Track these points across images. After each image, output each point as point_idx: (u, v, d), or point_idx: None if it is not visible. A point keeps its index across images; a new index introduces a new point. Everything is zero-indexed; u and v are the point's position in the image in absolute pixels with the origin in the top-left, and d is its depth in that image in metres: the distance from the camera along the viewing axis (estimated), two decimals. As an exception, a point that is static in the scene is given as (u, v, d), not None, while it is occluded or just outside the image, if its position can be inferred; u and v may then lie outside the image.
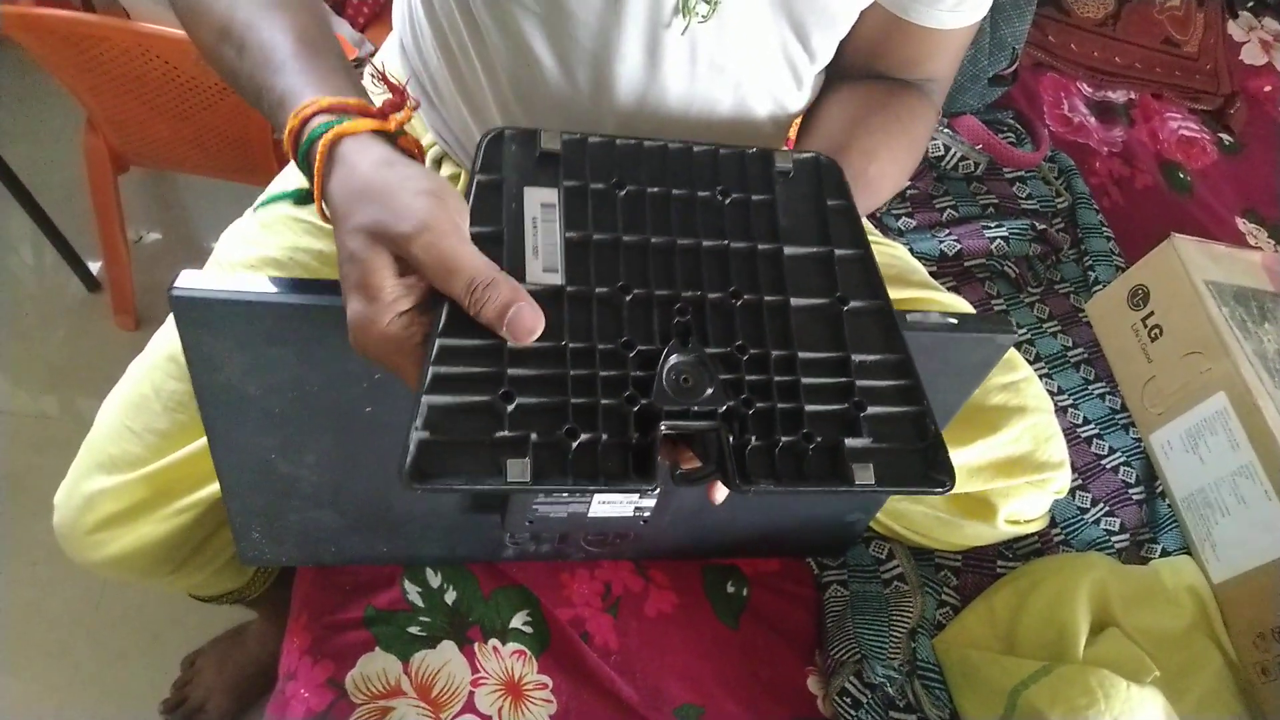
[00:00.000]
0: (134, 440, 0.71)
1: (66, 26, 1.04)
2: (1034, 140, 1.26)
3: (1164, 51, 1.41)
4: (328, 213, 0.46)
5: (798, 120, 0.71)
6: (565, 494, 0.66)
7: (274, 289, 0.49)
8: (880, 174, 0.59)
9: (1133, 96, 1.38)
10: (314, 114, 0.46)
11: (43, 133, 1.75)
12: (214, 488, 0.70)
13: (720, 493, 0.45)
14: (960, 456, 0.76)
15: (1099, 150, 1.30)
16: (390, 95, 0.49)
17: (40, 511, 1.35)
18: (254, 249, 0.73)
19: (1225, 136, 1.36)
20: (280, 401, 0.55)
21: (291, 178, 0.78)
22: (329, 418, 0.57)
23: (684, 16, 0.58)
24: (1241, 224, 1.26)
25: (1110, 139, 1.32)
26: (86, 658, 1.21)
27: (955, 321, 0.58)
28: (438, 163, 0.75)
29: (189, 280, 0.48)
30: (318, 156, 0.45)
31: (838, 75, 0.68)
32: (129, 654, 1.22)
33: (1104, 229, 1.19)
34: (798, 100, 0.68)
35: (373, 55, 1.29)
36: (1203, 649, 0.85)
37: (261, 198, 0.77)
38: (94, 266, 1.59)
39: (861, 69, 0.67)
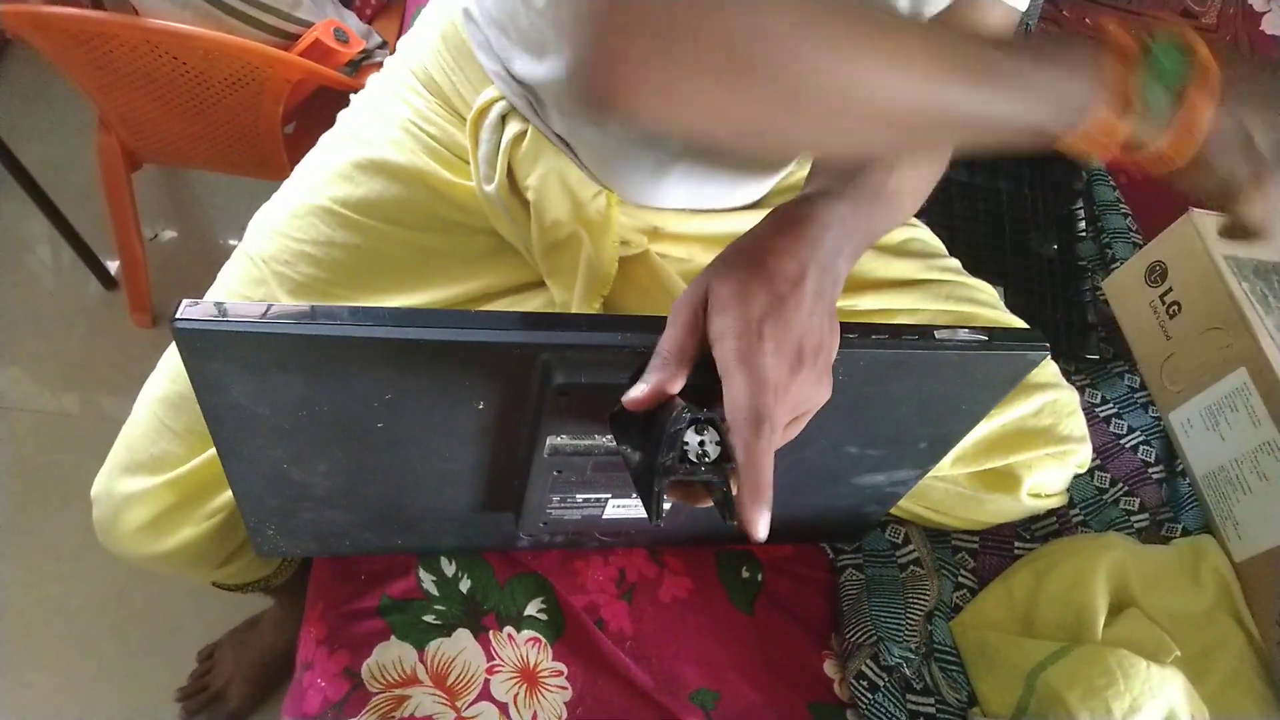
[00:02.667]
0: (175, 441, 0.71)
1: (76, 25, 1.04)
2: (1048, 117, 1.25)
3: (1182, 23, 1.39)
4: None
5: None
6: (580, 499, 0.66)
7: (279, 317, 0.47)
8: (901, 186, 0.57)
9: (1149, 71, 1.36)
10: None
11: (57, 132, 1.76)
12: None
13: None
14: (981, 430, 0.75)
15: (1115, 126, 1.28)
16: None
17: (62, 507, 1.38)
18: (288, 243, 0.71)
19: (1244, 109, 1.34)
20: (290, 420, 0.55)
21: (316, 175, 0.76)
22: (340, 432, 0.57)
23: None
24: (1262, 198, 1.23)
25: (1126, 114, 1.30)
26: (109, 651, 1.23)
27: (985, 338, 0.55)
28: (503, 119, 0.72)
29: (192, 311, 0.46)
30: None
31: None
32: (151, 647, 1.23)
33: (1121, 206, 1.18)
34: None
35: (381, 46, 1.29)
36: (1224, 628, 0.84)
37: (293, 194, 0.75)
38: (111, 265, 1.60)
39: None
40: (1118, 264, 1.10)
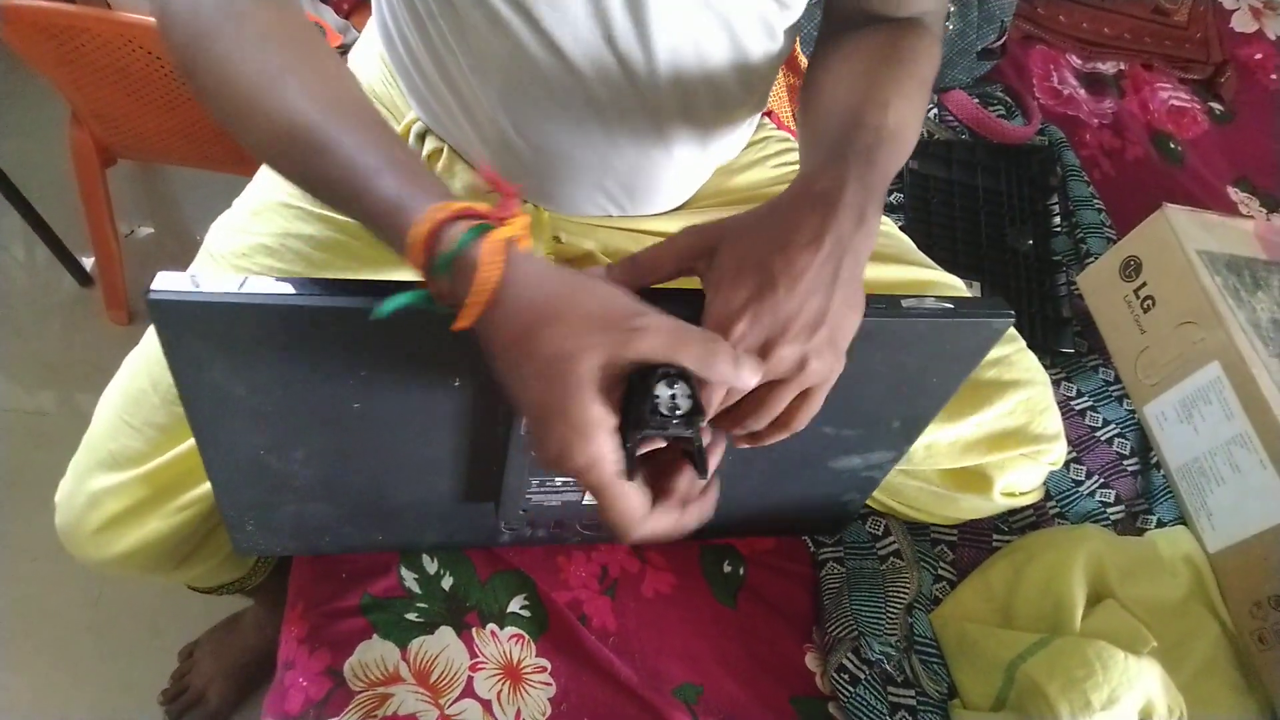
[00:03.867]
0: (134, 435, 0.71)
1: (45, 18, 1.03)
2: (1025, 114, 1.26)
3: (1153, 21, 1.41)
4: (487, 327, 0.44)
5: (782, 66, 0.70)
6: (559, 483, 0.66)
7: (254, 289, 0.47)
8: (900, 123, 0.58)
9: (1122, 67, 1.37)
10: (448, 219, 0.44)
11: (31, 128, 1.74)
12: None
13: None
14: (955, 431, 0.76)
15: (1089, 122, 1.30)
16: (501, 195, 0.47)
17: (38, 508, 1.35)
18: (245, 238, 0.72)
19: (1216, 106, 1.36)
20: (267, 400, 0.55)
21: (270, 176, 0.77)
22: (317, 414, 0.57)
23: None
24: (1233, 193, 1.25)
25: (1100, 110, 1.32)
26: (87, 652, 1.22)
27: (951, 306, 0.57)
28: (421, 138, 0.74)
29: (166, 283, 0.46)
30: (486, 264, 0.43)
31: (830, 25, 0.67)
32: (129, 648, 1.22)
33: (1095, 201, 1.19)
34: (778, 40, 0.67)
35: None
36: (1199, 618, 0.85)
37: (252, 194, 0.76)
38: (86, 262, 1.58)
39: (856, 10, 0.66)
40: (1092, 259, 1.11)
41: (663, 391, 0.43)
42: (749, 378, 0.46)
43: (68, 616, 1.24)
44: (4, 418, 1.42)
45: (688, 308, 0.49)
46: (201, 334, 0.49)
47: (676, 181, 0.77)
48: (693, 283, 0.53)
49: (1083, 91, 1.34)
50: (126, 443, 0.71)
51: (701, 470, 0.46)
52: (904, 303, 0.56)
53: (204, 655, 1.18)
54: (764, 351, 0.47)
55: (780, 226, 0.50)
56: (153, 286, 0.46)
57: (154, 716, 1.16)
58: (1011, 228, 1.12)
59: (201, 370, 0.52)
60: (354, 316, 0.48)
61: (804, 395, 0.50)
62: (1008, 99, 1.27)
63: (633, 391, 0.43)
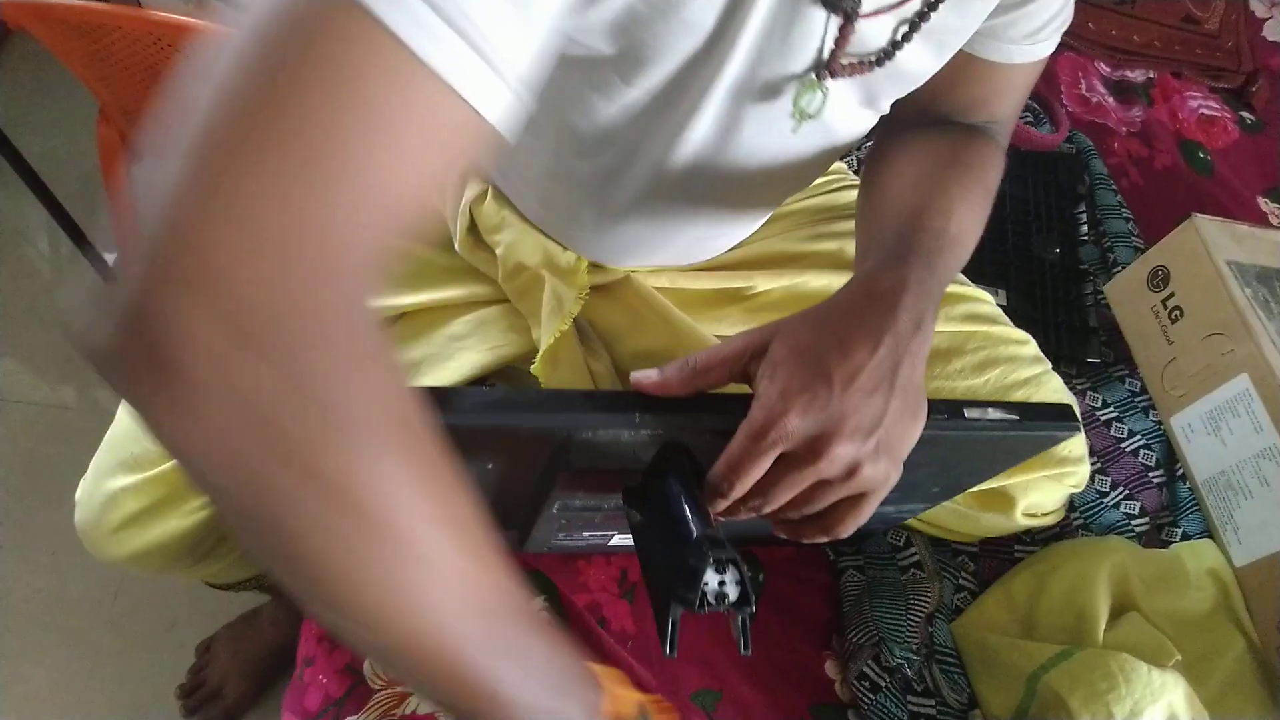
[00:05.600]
0: None
1: (77, 16, 1.04)
2: (1052, 121, 1.25)
3: (1184, 29, 1.39)
4: None
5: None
6: (584, 535, 0.67)
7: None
8: (961, 230, 0.57)
9: (1151, 76, 1.36)
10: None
11: (58, 124, 1.76)
12: None
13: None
14: None
15: (1117, 130, 1.29)
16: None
17: (59, 501, 1.37)
18: None
19: (1247, 115, 1.34)
20: None
21: None
22: None
23: (795, 118, 0.56)
24: (1264, 203, 1.24)
25: (1129, 119, 1.30)
26: (106, 645, 1.23)
27: (1016, 418, 0.54)
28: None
29: None
30: None
31: (897, 121, 0.66)
32: (148, 641, 1.23)
33: (1123, 210, 1.18)
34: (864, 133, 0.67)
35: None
36: (1225, 633, 0.84)
37: None
38: (109, 257, 1.60)
39: (922, 112, 0.65)
40: (1119, 268, 1.10)
41: (711, 578, 0.42)
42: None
43: (86, 610, 1.25)
44: (26, 411, 1.44)
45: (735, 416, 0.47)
46: None
47: (728, 243, 0.78)
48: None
49: (1111, 99, 1.32)
50: (148, 446, 0.71)
51: (744, 644, 0.45)
52: (967, 413, 0.53)
53: (221, 650, 1.19)
54: (814, 448, 0.46)
55: (837, 322, 0.49)
56: None
57: (171, 710, 1.17)
58: (1038, 236, 1.11)
59: None
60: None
61: (853, 501, 0.49)
62: (1035, 106, 1.26)
63: (672, 518, 0.43)
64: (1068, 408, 0.58)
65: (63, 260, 1.63)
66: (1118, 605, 0.80)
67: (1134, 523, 0.91)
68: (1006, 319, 0.83)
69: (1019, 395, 0.76)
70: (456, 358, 0.71)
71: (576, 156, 0.61)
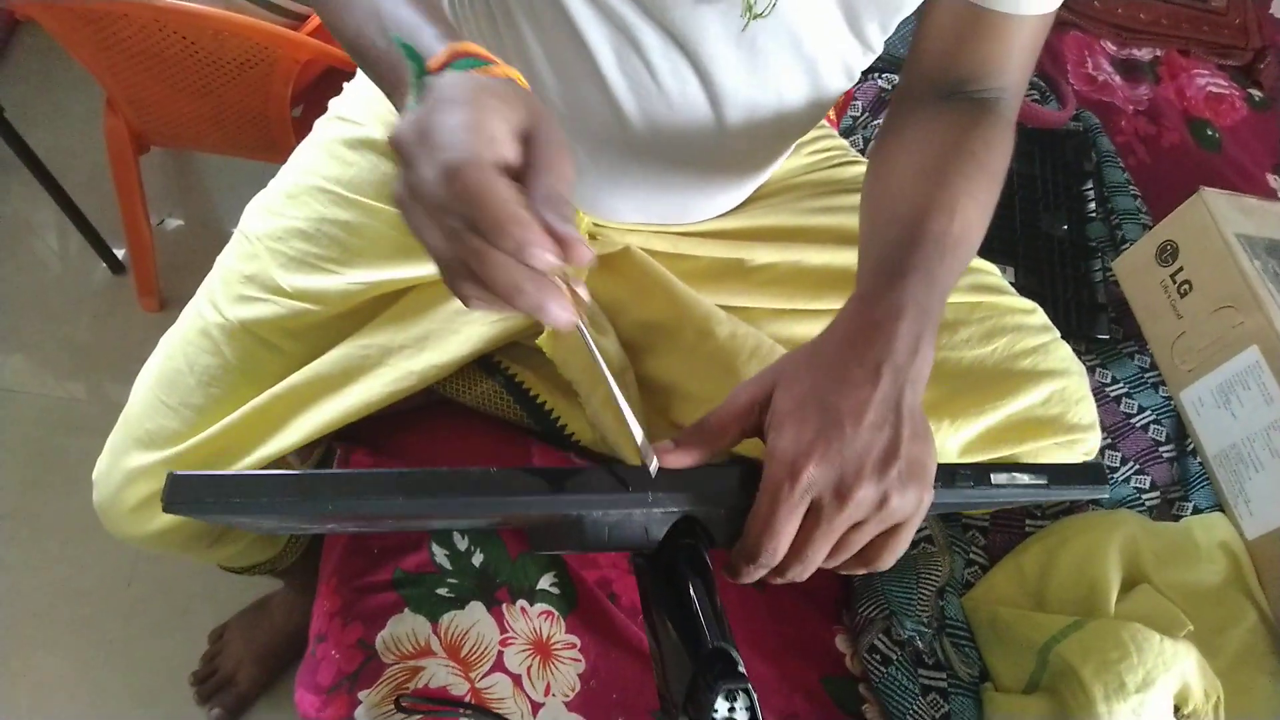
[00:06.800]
0: (170, 415, 0.72)
1: (84, 4, 1.04)
2: (1059, 99, 1.24)
3: (1191, 7, 1.39)
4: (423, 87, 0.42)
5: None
6: None
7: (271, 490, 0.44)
8: (965, 228, 0.56)
9: (1158, 54, 1.35)
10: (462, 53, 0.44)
11: (66, 116, 1.76)
12: (253, 459, 0.71)
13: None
14: (989, 419, 0.75)
15: (1124, 109, 1.28)
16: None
17: (70, 491, 1.38)
18: (281, 220, 0.73)
19: (1255, 92, 1.34)
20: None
21: (308, 156, 0.77)
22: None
23: (743, 16, 0.57)
24: (1272, 180, 1.23)
25: (1136, 97, 1.30)
26: (119, 633, 1.23)
27: (1044, 482, 0.53)
28: None
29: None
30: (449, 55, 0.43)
31: (906, 98, 0.65)
32: (160, 629, 1.23)
33: (1130, 187, 1.17)
34: (854, 80, 0.67)
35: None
36: (1236, 605, 0.84)
37: (288, 177, 0.76)
38: (119, 251, 1.60)
39: (931, 82, 0.64)
40: (1127, 245, 1.09)
41: (721, 706, 0.41)
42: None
43: (99, 598, 1.25)
44: (36, 403, 1.44)
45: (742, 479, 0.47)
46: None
47: (725, 201, 0.78)
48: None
49: (1118, 78, 1.32)
50: (163, 422, 0.72)
51: None
52: (994, 478, 0.52)
53: (234, 638, 1.19)
54: (840, 493, 0.45)
55: (834, 359, 0.49)
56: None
57: (185, 696, 1.17)
58: (1046, 213, 1.11)
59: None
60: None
61: (889, 533, 0.48)
62: (1042, 84, 1.26)
63: (695, 660, 0.43)
64: (1099, 466, 0.56)
65: (71, 253, 1.64)
66: (1129, 578, 0.80)
67: (1144, 497, 0.91)
68: (1012, 289, 0.82)
69: (1026, 364, 0.76)
70: (462, 331, 0.71)
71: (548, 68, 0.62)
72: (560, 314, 0.39)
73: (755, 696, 0.42)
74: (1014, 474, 0.51)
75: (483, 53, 0.44)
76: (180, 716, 1.16)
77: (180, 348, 0.74)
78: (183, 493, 0.43)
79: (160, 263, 1.52)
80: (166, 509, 0.43)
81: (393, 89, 0.48)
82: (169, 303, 1.53)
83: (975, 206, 0.58)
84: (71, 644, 1.22)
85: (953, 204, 0.56)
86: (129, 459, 0.73)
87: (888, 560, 0.49)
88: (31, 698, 1.18)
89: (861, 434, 0.46)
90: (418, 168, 0.38)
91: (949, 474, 0.50)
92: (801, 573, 0.48)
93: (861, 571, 0.51)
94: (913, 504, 0.47)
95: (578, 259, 0.38)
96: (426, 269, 0.71)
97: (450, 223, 0.37)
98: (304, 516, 0.46)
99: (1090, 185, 1.15)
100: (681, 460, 0.49)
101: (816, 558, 0.47)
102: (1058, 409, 0.76)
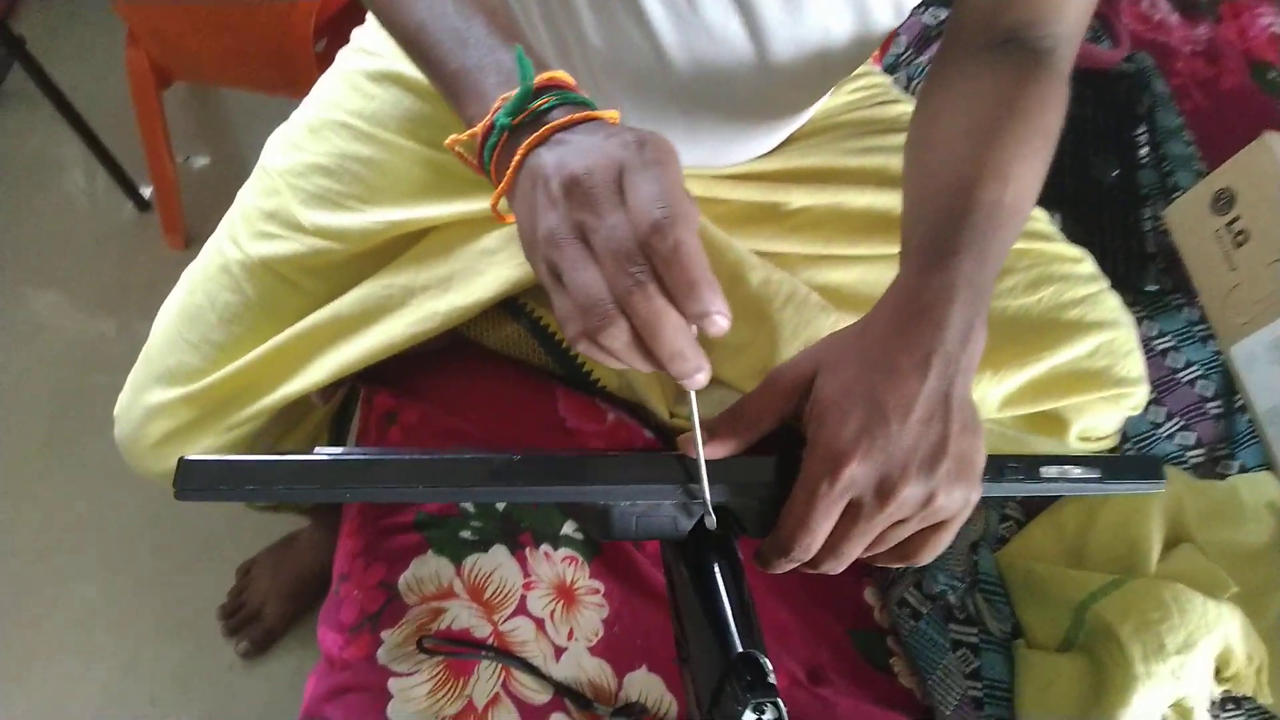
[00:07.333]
0: (191, 352, 0.71)
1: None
2: (1112, 38, 1.18)
3: None
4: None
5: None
6: None
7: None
8: (1019, 195, 0.52)
9: (1221, -9, 1.28)
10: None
11: (90, 52, 1.74)
12: (274, 398, 0.70)
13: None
14: (1032, 371, 0.72)
15: (1180, 50, 1.22)
16: None
17: (98, 429, 1.39)
18: (302, 155, 0.71)
19: (1322, 33, 1.26)
20: None
21: (330, 88, 0.74)
22: None
23: None
24: (1338, 126, 1.17)
25: (1194, 37, 1.23)
26: (148, 569, 1.25)
27: (1098, 475, 0.50)
28: None
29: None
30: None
31: (957, 44, 0.61)
32: (188, 564, 1.25)
33: (1184, 133, 1.12)
34: (903, 17, 0.63)
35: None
36: (1282, 567, 0.81)
37: (310, 110, 0.74)
38: (145, 189, 1.59)
39: (985, 28, 0.60)
40: (1179, 193, 1.05)
41: (749, 718, 0.40)
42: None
43: (129, 533, 1.27)
44: (65, 340, 1.45)
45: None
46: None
47: (763, 143, 0.74)
48: None
49: (1175, 17, 1.25)
50: (183, 359, 0.71)
51: None
52: (1044, 471, 0.49)
53: (260, 573, 1.20)
54: (882, 493, 0.43)
55: (882, 347, 0.46)
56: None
57: (213, 629, 1.19)
58: (1096, 158, 1.06)
59: None
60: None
61: (933, 529, 0.46)
62: (1094, 22, 1.20)
63: (722, 664, 0.41)
64: (1155, 461, 0.54)
65: (98, 191, 1.63)
66: (1171, 537, 0.77)
67: (1188, 454, 0.88)
68: (1061, 236, 0.79)
69: (1073, 314, 0.73)
70: (488, 273, 0.69)
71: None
72: (703, 380, 0.40)
73: (785, 709, 0.41)
74: (1065, 467, 0.49)
75: (572, 83, 0.44)
76: (208, 649, 1.18)
77: (201, 283, 0.73)
78: (195, 478, 0.42)
79: (186, 200, 1.51)
80: (178, 495, 0.42)
81: (460, 96, 0.46)
82: (195, 240, 1.52)
83: (1029, 172, 0.54)
84: (102, 578, 1.24)
85: (1005, 170, 0.52)
86: (150, 395, 0.72)
87: (927, 557, 0.47)
88: (69, 626, 1.20)
89: (908, 430, 0.43)
90: (605, 213, 0.38)
91: (997, 467, 0.48)
92: (835, 567, 0.46)
93: (898, 565, 0.49)
94: (959, 502, 0.45)
95: (718, 330, 0.38)
96: (449, 208, 0.69)
97: (634, 273, 0.37)
98: (322, 499, 0.45)
99: (1143, 130, 1.10)
100: (716, 451, 0.47)
101: (852, 554, 0.46)
102: (1105, 361, 0.73)
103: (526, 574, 0.70)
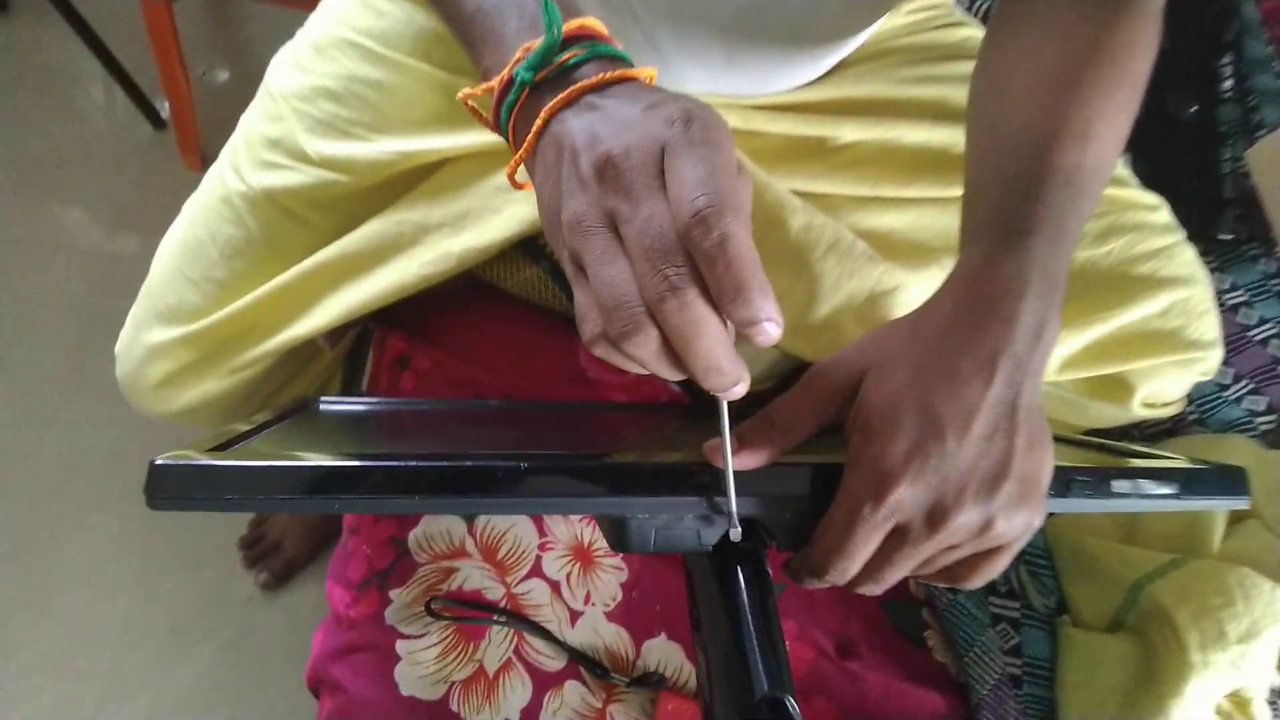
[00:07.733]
0: (192, 289, 0.68)
1: None
2: (1199, -44, 1.08)
3: None
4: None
5: None
6: None
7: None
8: (1100, 159, 0.45)
9: (1324, -97, 1.16)
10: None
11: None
12: (279, 340, 0.66)
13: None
14: (1098, 330, 0.66)
15: (1276, -31, 1.11)
16: None
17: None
18: (308, 77, 0.65)
19: None
20: None
21: (339, 1, 0.68)
22: None
23: None
24: None
25: (1291, -44, 1.12)
26: (169, 497, 1.24)
27: (1174, 491, 0.45)
28: None
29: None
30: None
31: None
32: (209, 494, 1.24)
33: (1274, 64, 1.02)
34: None
35: None
36: (1355, 546, 0.76)
37: (317, 27, 0.68)
38: (162, 107, 1.54)
39: None
40: (1264, 131, 0.95)
41: None
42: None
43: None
44: (83, 261, 1.42)
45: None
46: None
47: (809, 71, 0.67)
48: None
49: (1270, -68, 1.14)
50: (184, 296, 0.68)
51: None
52: (1115, 486, 0.44)
53: (279, 506, 1.19)
54: (933, 519, 0.38)
55: (940, 346, 0.40)
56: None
57: (232, 560, 1.18)
58: (1173, 91, 0.97)
59: None
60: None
61: (987, 554, 0.41)
62: (1180, -62, 1.09)
63: (745, 698, 0.37)
64: (1240, 473, 0.48)
65: (116, 108, 1.58)
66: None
67: (1258, 420, 0.82)
68: (1135, 180, 0.72)
69: (1145, 269, 0.66)
70: (504, 211, 0.63)
71: None
72: (740, 393, 0.34)
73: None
74: (1138, 481, 0.44)
75: (604, 31, 0.39)
76: (227, 580, 1.18)
77: (203, 215, 0.69)
78: (168, 485, 0.36)
79: (207, 118, 1.46)
80: (150, 504, 0.37)
81: (477, 41, 0.41)
82: (210, 159, 1.47)
83: (1112, 130, 0.47)
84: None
85: (1086, 128, 0.45)
86: (150, 334, 0.69)
87: (977, 582, 0.42)
88: (88, 556, 1.20)
89: (967, 446, 0.38)
90: (641, 201, 0.33)
91: (1063, 482, 0.42)
92: (874, 590, 0.42)
93: (943, 585, 0.44)
94: (1020, 528, 0.39)
95: (768, 340, 0.33)
96: (465, 139, 0.63)
97: (670, 274, 0.32)
98: (310, 510, 0.40)
99: (1228, 60, 1.00)
100: (746, 462, 0.41)
101: (893, 580, 0.41)
102: (1178, 322, 0.67)
103: (542, 534, 0.67)
